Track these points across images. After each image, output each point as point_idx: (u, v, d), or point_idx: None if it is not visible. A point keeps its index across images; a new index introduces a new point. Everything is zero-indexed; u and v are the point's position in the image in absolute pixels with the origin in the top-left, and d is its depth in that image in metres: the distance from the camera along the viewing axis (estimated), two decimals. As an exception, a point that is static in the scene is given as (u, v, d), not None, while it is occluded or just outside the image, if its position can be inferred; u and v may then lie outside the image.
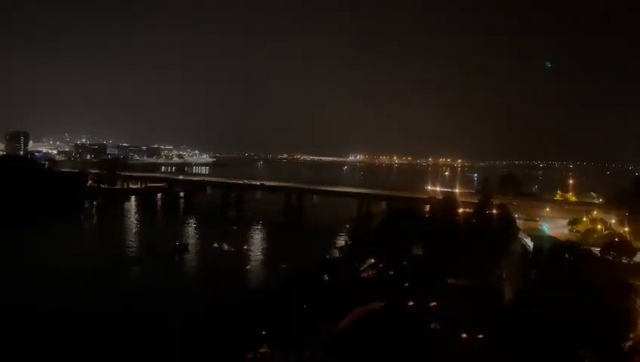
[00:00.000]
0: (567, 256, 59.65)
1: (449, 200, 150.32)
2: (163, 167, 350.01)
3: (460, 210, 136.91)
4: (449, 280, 78.63)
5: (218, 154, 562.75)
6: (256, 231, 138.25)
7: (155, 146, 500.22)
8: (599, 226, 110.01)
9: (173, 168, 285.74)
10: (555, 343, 43.63)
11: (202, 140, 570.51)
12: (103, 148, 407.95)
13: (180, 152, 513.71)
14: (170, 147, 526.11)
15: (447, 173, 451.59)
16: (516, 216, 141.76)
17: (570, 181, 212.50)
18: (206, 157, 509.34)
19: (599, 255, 65.68)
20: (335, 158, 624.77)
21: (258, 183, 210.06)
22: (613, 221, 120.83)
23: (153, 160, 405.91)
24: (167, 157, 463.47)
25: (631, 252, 70.23)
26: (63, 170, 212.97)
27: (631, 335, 54.08)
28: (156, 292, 73.86)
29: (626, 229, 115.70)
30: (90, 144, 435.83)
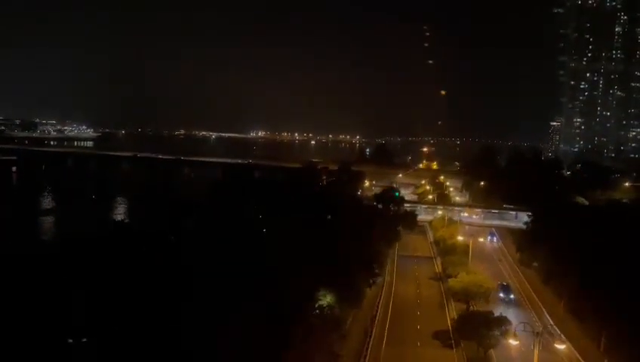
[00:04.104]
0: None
1: (310, 168, 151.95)
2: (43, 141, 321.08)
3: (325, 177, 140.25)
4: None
5: (107, 130, 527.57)
6: (106, 204, 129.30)
7: (36, 120, 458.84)
8: (428, 187, 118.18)
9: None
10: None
11: (95, 116, 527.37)
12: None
13: (64, 127, 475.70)
14: (53, 121, 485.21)
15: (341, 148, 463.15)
16: (374, 182, 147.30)
17: (425, 149, 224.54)
18: (90, 132, 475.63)
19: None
20: (236, 134, 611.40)
21: (128, 154, 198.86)
22: (447, 183, 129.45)
23: (26, 134, 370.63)
24: (44, 131, 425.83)
25: (398, 202, 74.44)
26: None
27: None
28: None
29: (451, 189, 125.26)
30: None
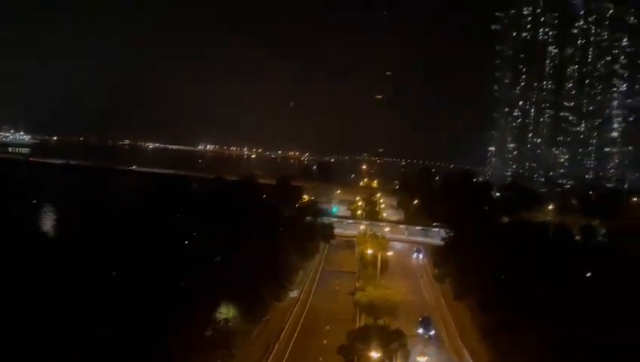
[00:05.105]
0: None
1: (246, 181, 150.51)
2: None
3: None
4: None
5: (46, 137, 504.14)
6: (23, 212, 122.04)
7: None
8: (360, 203, 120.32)
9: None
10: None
11: (37, 122, 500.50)
12: None
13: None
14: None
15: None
16: (313, 197, 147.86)
17: (364, 167, 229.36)
18: (26, 139, 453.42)
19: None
20: (183, 147, 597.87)
21: (60, 162, 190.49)
22: (382, 200, 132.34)
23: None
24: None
25: (317, 215, 75.84)
26: None
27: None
28: None
29: (382, 206, 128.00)
30: None
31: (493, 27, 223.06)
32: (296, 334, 48.13)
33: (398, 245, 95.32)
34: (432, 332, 50.39)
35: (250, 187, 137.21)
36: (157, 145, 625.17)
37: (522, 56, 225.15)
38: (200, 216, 74.07)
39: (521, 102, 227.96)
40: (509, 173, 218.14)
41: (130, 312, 33.08)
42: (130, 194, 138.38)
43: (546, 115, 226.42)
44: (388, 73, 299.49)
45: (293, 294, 58.37)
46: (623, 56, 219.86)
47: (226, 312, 43.24)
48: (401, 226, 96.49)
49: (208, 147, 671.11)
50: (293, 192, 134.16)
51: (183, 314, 36.99)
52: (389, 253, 69.16)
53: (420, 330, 50.05)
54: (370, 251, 64.02)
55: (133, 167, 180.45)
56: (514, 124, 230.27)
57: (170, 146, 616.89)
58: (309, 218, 76.45)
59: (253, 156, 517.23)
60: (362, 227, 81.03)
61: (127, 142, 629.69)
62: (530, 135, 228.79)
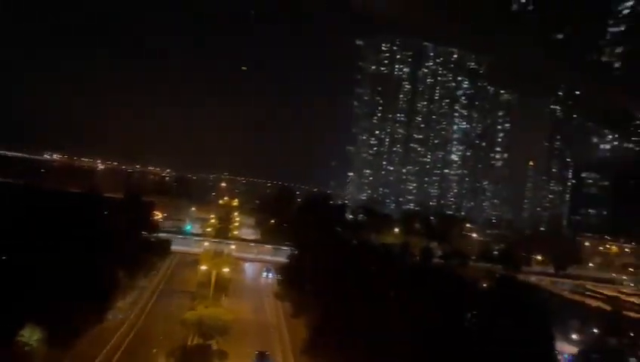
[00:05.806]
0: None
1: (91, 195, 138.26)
2: None
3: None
4: None
5: None
6: None
7: None
8: (214, 221, 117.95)
9: None
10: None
11: None
12: None
13: None
14: None
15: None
16: (165, 214, 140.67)
17: (223, 185, 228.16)
18: None
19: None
20: (25, 155, 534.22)
21: None
22: (238, 218, 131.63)
23: None
24: None
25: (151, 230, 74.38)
26: None
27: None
28: None
29: (236, 224, 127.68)
30: None
31: (357, 42, 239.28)
32: (115, 358, 43.47)
33: (250, 264, 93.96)
34: None
35: (90, 201, 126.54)
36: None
37: (380, 88, 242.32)
38: (18, 230, 65.13)
39: (377, 132, 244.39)
40: (364, 197, 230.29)
41: None
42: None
43: (398, 145, 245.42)
44: (243, 68, 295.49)
45: (121, 315, 53.25)
46: (463, 97, 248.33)
47: (28, 335, 37.48)
48: (252, 244, 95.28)
49: (55, 156, 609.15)
50: (142, 208, 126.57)
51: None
52: (241, 272, 67.41)
53: None
54: (209, 268, 61.26)
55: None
56: (370, 152, 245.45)
57: (8, 153, 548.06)
58: (144, 233, 71.27)
59: (102, 168, 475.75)
60: (206, 244, 78.06)
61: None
62: (385, 163, 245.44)
